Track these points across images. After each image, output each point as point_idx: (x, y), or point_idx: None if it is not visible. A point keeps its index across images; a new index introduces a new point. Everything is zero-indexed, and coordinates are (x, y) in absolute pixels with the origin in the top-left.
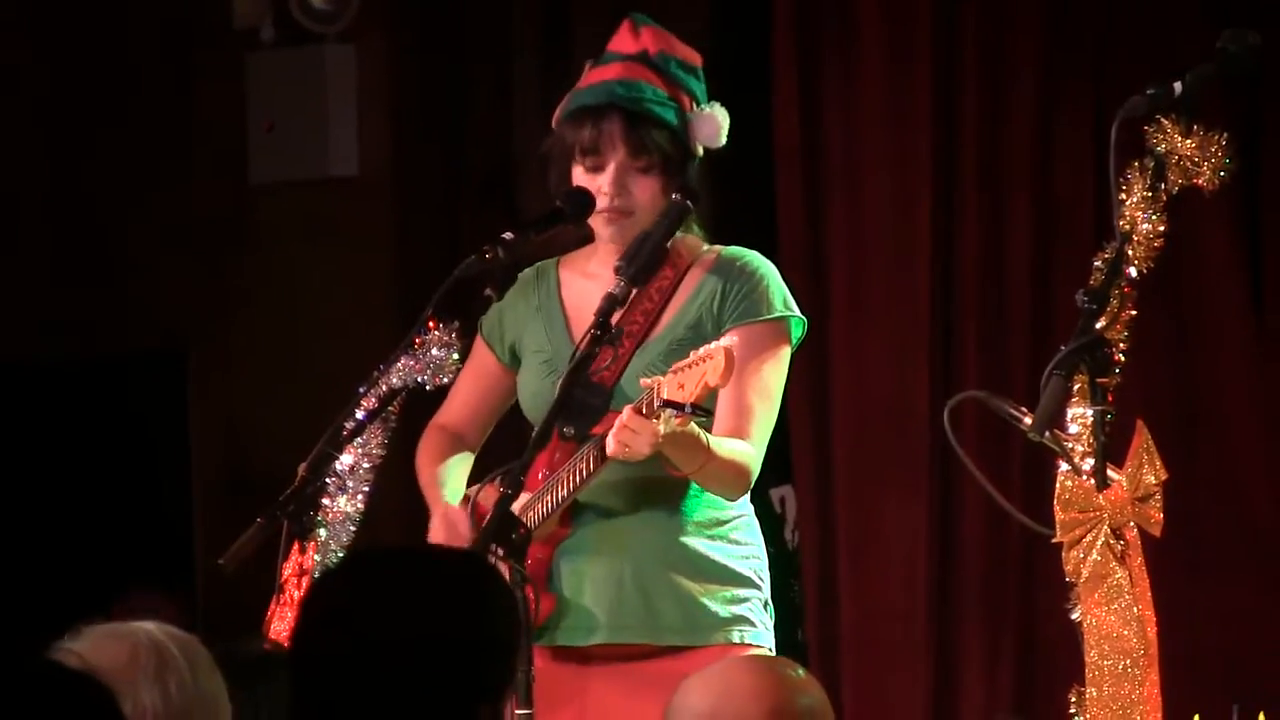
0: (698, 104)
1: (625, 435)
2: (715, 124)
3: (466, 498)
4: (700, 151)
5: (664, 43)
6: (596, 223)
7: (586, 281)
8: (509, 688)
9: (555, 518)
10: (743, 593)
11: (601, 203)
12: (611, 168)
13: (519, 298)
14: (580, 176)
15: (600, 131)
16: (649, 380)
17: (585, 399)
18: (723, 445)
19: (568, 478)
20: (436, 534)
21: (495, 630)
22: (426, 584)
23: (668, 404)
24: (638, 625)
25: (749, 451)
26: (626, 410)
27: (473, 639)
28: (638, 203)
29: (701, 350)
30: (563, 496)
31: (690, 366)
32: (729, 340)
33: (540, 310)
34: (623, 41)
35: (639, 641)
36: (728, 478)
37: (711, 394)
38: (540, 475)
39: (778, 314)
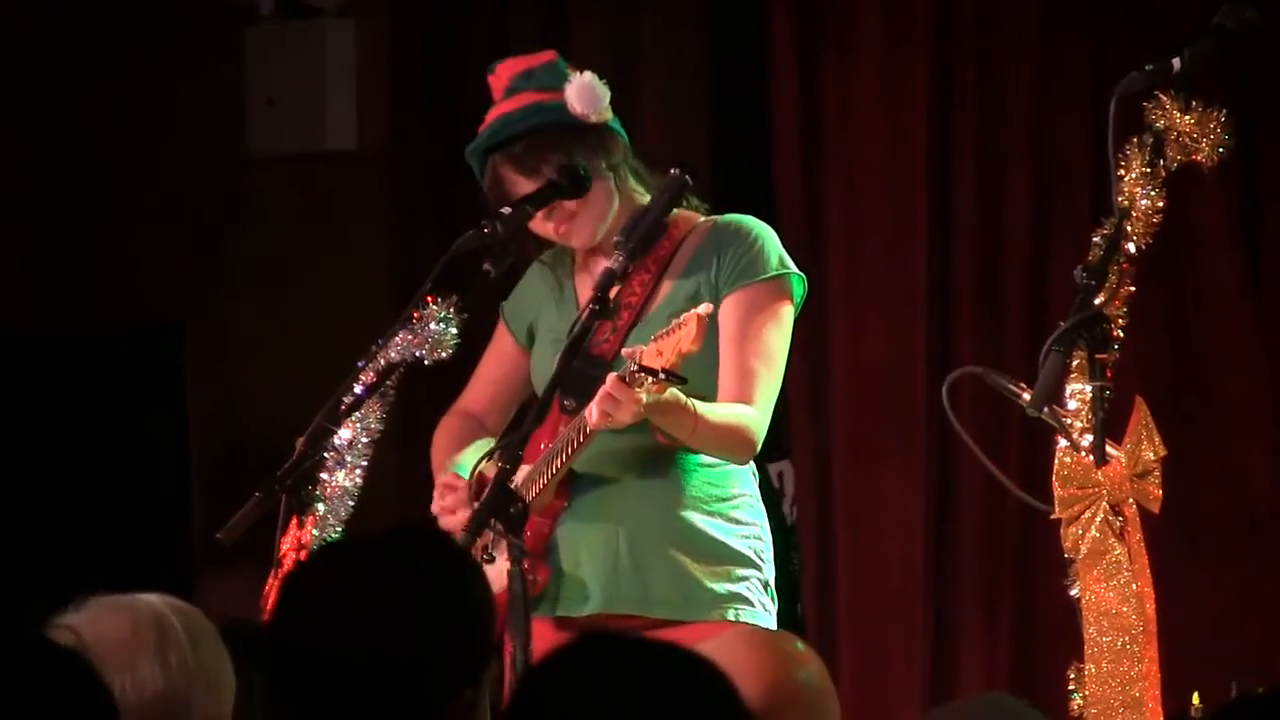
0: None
1: (607, 404)
2: (584, 86)
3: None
4: (605, 116)
5: (513, 69)
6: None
7: (599, 262)
8: (487, 672)
9: (551, 488)
10: (741, 571)
11: (550, 233)
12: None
13: (538, 281)
14: (537, 225)
15: (497, 183)
16: (630, 350)
17: (586, 371)
18: (715, 410)
19: (563, 449)
20: (437, 500)
21: (472, 613)
22: (402, 567)
23: (643, 369)
24: (631, 597)
25: (750, 414)
26: (611, 378)
27: (450, 622)
28: (572, 209)
29: (681, 317)
30: (558, 467)
31: (668, 334)
32: (704, 308)
33: (554, 292)
34: (494, 96)
35: (632, 613)
36: (725, 442)
37: (695, 360)
38: (542, 447)
39: (773, 272)
